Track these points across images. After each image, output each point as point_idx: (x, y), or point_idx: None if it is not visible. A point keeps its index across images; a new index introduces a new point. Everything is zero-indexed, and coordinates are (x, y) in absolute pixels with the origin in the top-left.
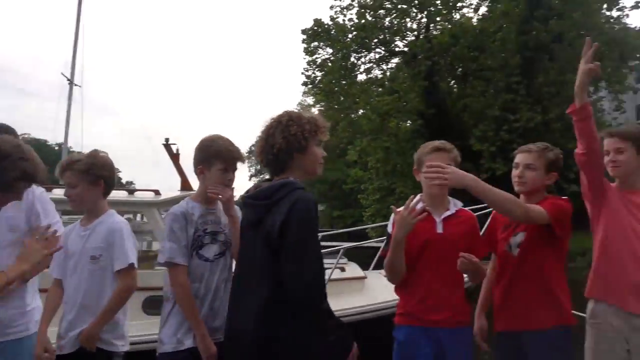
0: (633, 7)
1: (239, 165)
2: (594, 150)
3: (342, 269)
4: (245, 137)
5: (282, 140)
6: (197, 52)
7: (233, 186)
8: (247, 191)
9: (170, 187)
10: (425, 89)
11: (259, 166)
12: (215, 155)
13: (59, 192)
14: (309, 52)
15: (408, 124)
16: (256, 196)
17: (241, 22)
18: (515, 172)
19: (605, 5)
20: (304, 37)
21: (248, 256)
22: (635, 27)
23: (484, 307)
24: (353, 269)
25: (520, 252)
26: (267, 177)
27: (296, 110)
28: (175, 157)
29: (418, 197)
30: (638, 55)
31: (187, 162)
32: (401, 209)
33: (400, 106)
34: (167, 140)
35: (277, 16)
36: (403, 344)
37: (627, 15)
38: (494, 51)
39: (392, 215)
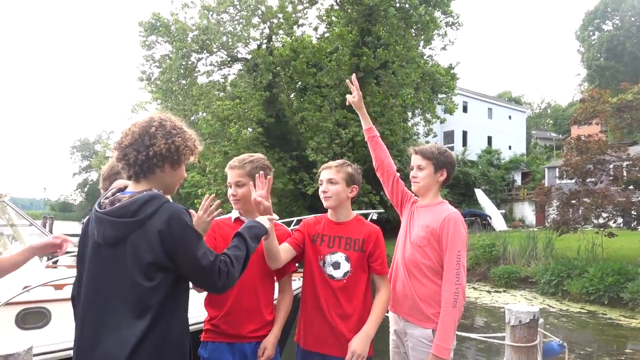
0: (442, 49)
1: None
2: (382, 161)
3: None
4: (72, 131)
5: (164, 145)
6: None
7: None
8: (100, 204)
9: None
10: (266, 99)
11: (83, 163)
12: None
13: None
14: (146, 45)
15: (249, 131)
16: (117, 213)
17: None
18: (320, 189)
19: (422, 43)
20: (141, 29)
21: (106, 278)
22: (444, 65)
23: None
24: None
25: (347, 280)
26: (118, 186)
27: (176, 119)
28: None
29: (212, 196)
30: (445, 90)
31: None
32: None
33: (241, 112)
34: None
35: (112, 6)
36: None
37: (437, 55)
38: (330, 70)
39: None
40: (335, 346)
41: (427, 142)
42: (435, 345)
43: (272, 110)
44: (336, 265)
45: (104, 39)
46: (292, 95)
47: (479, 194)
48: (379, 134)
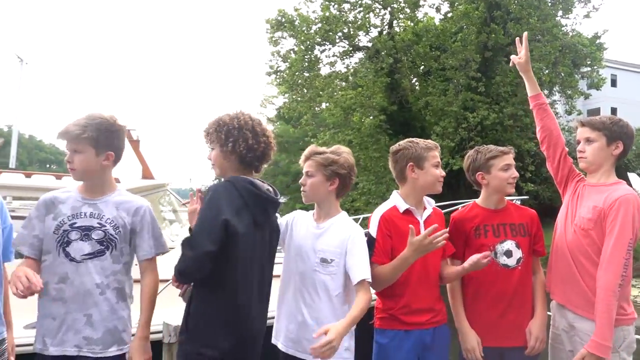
0: (585, 17)
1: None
2: (550, 131)
3: None
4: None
5: (246, 144)
6: (157, 36)
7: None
8: (256, 186)
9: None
10: (388, 85)
11: None
12: None
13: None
14: (273, 42)
15: (371, 119)
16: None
17: (205, 11)
18: (509, 174)
19: (560, 13)
20: (268, 27)
21: (260, 258)
22: (587, 35)
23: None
24: None
25: (521, 266)
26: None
27: (262, 121)
28: (134, 144)
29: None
30: (589, 62)
31: (147, 149)
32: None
33: (364, 101)
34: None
35: (242, 5)
36: (385, 347)
37: (580, 24)
38: (455, 51)
39: (374, 216)
40: (518, 338)
41: (569, 121)
42: (592, 342)
43: (394, 97)
44: (509, 254)
45: (240, 37)
46: (414, 81)
47: (634, 178)
48: (547, 102)
